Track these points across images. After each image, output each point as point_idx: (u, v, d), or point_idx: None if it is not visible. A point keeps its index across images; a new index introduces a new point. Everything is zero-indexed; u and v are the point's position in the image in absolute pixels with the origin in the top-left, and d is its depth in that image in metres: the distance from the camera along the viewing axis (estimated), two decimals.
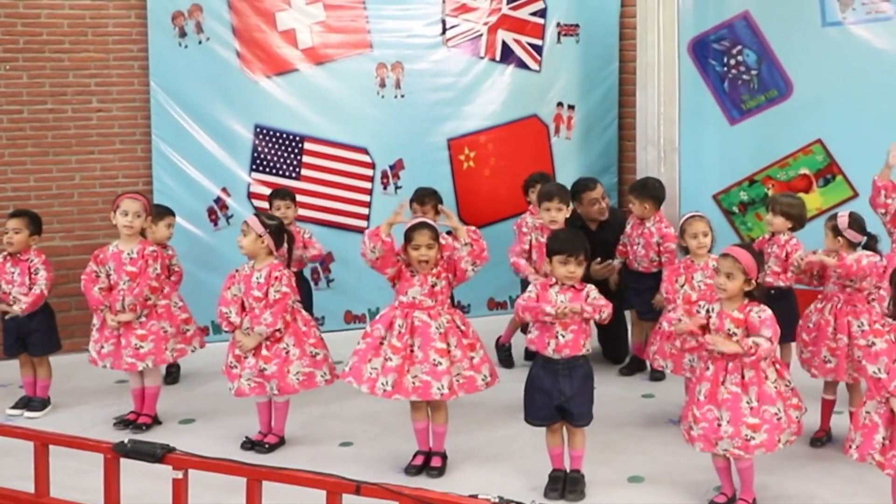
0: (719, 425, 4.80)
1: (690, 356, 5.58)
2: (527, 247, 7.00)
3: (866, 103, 7.35)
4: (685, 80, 7.90)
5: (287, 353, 5.73)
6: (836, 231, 5.68)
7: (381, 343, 5.37)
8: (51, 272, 6.52)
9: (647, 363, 7.10)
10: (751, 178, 7.80)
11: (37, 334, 6.52)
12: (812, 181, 7.53)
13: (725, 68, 7.88)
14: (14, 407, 6.56)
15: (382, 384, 5.30)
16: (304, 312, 5.95)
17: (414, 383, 5.30)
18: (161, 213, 6.88)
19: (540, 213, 6.67)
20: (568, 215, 6.58)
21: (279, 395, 5.82)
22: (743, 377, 4.80)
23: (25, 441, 4.90)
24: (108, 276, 6.14)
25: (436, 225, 5.49)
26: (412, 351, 5.33)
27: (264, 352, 5.71)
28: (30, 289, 6.45)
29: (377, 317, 5.53)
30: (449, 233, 5.64)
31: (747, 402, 4.77)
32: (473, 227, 5.47)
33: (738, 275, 4.79)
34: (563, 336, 5.01)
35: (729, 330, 4.83)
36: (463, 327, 5.48)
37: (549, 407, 5.08)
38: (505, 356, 7.55)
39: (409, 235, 5.38)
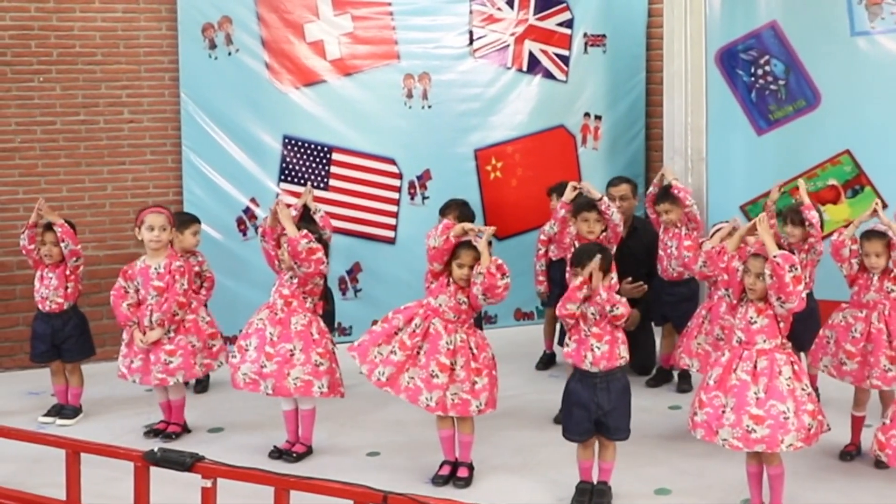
0: (723, 412, 4.79)
1: (716, 354, 5.57)
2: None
3: (895, 113, 7.31)
4: (712, 90, 7.88)
5: (292, 355, 5.75)
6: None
7: (396, 333, 5.43)
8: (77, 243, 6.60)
9: (674, 375, 7.14)
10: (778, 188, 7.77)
11: (71, 340, 6.61)
12: (840, 192, 7.50)
13: (753, 78, 7.86)
14: (46, 415, 6.65)
15: (379, 373, 5.38)
16: (321, 322, 5.97)
17: (408, 384, 5.38)
18: (186, 221, 6.92)
19: (578, 224, 6.65)
20: (604, 227, 6.58)
21: (273, 395, 5.82)
22: (755, 367, 4.79)
23: (57, 449, 4.97)
24: (136, 291, 6.20)
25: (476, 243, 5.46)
26: (417, 353, 5.40)
27: (269, 348, 5.74)
28: (66, 290, 6.55)
29: (402, 307, 5.56)
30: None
31: (754, 393, 4.75)
32: (500, 263, 5.36)
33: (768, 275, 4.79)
34: (599, 348, 5.02)
35: (752, 318, 4.84)
36: (475, 351, 5.47)
37: (588, 421, 5.08)
38: (547, 360, 7.77)
39: (456, 252, 5.43)
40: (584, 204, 6.59)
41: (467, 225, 5.51)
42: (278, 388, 5.74)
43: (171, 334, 6.16)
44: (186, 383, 6.81)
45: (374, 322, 8.39)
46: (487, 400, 5.50)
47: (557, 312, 5.08)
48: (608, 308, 4.98)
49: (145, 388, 7.01)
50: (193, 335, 6.27)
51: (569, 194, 6.61)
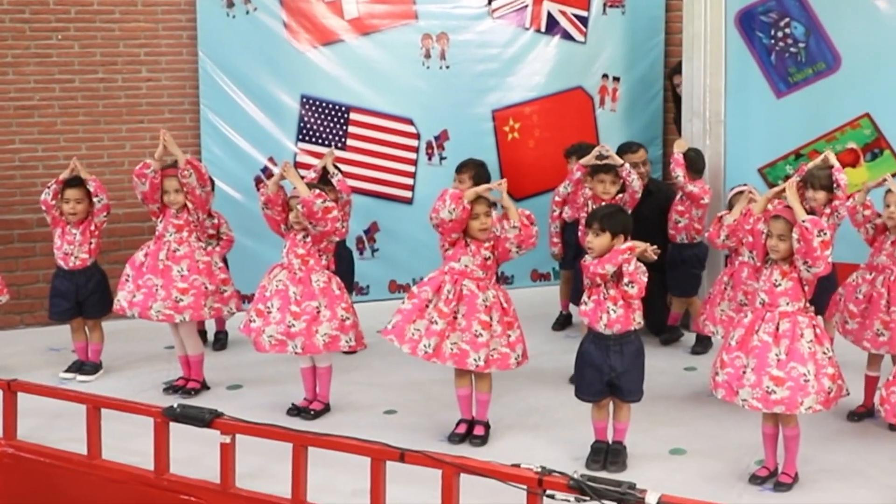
0: (744, 373, 4.81)
1: (738, 316, 5.58)
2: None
3: None
4: (731, 53, 7.81)
5: (318, 312, 5.77)
6: None
7: (427, 306, 5.42)
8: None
9: (681, 331, 7.28)
10: (797, 151, 7.72)
11: (94, 296, 6.68)
12: (859, 155, 7.45)
13: (772, 41, 7.79)
14: (67, 371, 6.72)
15: (425, 346, 5.36)
16: (338, 278, 6.00)
17: (452, 350, 5.38)
18: None
19: (594, 184, 6.65)
20: (619, 189, 6.58)
21: (302, 354, 5.85)
22: (777, 329, 4.81)
23: (78, 404, 5.04)
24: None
25: (489, 197, 5.50)
26: (455, 318, 5.40)
27: (294, 307, 5.76)
28: (90, 245, 6.62)
29: (425, 279, 5.57)
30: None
31: (776, 354, 4.77)
32: (528, 213, 5.48)
33: (790, 236, 4.79)
34: (615, 311, 5.04)
35: (776, 281, 4.85)
36: (505, 305, 5.54)
37: (600, 382, 5.12)
38: (563, 320, 7.83)
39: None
40: (602, 164, 6.59)
41: (479, 188, 5.48)
42: (308, 345, 5.76)
43: (185, 272, 6.23)
44: (204, 340, 6.89)
45: (392, 281, 8.59)
46: (523, 351, 5.59)
47: (591, 269, 5.05)
48: (625, 280, 5.00)
49: (164, 346, 7.08)
50: (206, 277, 6.33)
51: (589, 159, 6.60)
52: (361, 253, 8.43)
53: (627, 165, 6.57)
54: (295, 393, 6.12)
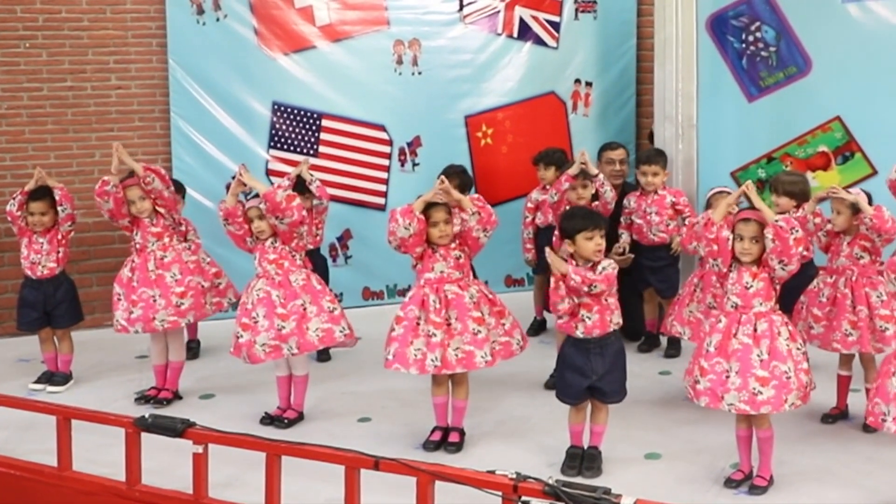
0: (727, 377, 4.81)
1: (709, 321, 5.58)
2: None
3: (886, 80, 7.29)
4: (703, 57, 7.85)
5: (304, 309, 5.74)
6: (856, 208, 5.61)
7: (418, 324, 5.39)
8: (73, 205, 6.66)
9: (661, 339, 7.18)
10: (769, 155, 7.77)
11: (63, 305, 6.60)
12: (831, 158, 7.50)
13: (744, 45, 7.83)
14: (37, 382, 6.64)
15: (432, 360, 5.33)
16: (316, 274, 5.98)
17: (457, 355, 5.36)
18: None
19: (567, 191, 6.66)
20: (592, 195, 6.59)
21: (299, 353, 5.78)
22: (755, 330, 4.83)
23: (48, 415, 4.97)
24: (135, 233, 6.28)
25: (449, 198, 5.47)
26: (449, 324, 5.38)
27: (280, 310, 5.72)
28: (58, 254, 6.56)
29: (407, 299, 5.53)
30: None
31: (758, 355, 4.78)
32: (477, 195, 5.51)
33: (763, 237, 4.80)
34: (590, 318, 5.04)
35: (747, 283, 4.87)
36: (490, 296, 5.56)
37: (581, 386, 5.11)
38: (538, 326, 7.82)
39: (426, 214, 5.40)
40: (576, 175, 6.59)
41: (426, 196, 5.42)
42: (302, 344, 5.71)
43: (179, 276, 6.21)
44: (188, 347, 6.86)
45: (366, 288, 8.55)
46: (522, 335, 5.61)
47: (552, 310, 5.06)
48: (585, 289, 4.97)
49: (136, 356, 7.02)
50: (199, 275, 6.33)
51: (575, 169, 6.58)
52: (335, 260, 8.40)
53: (602, 176, 6.57)
54: (268, 402, 6.07)
